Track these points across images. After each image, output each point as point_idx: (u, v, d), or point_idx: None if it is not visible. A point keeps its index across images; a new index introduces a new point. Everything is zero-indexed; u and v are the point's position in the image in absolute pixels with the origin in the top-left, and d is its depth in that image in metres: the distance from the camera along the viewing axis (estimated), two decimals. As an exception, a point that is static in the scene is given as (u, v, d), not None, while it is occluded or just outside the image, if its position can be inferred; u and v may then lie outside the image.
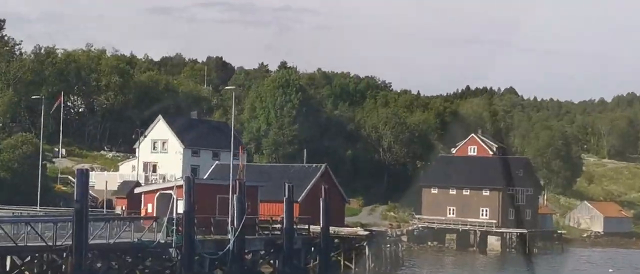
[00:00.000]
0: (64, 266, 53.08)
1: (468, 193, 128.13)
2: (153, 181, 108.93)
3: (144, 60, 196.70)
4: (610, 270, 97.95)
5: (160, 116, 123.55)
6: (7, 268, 54.48)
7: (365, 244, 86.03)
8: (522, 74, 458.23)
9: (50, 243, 50.82)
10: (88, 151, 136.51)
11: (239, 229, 59.63)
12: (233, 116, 70.68)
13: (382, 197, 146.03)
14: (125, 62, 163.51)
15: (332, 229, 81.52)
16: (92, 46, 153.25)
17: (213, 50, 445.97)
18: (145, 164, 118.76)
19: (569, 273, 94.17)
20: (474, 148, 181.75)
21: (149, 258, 58.82)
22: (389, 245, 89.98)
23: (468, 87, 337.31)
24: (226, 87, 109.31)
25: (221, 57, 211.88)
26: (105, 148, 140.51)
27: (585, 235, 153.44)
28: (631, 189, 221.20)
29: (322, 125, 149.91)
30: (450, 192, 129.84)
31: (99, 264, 57.32)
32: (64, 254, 51.32)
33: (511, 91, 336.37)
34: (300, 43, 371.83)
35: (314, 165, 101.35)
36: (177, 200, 59.96)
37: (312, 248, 74.43)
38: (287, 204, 65.73)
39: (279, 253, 65.33)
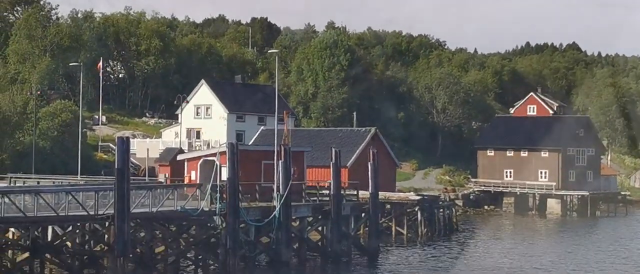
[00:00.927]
0: (106, 236, 54.82)
1: (526, 155, 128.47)
2: (197, 148, 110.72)
3: (185, 22, 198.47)
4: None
5: (203, 81, 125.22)
6: (49, 238, 56.25)
7: (417, 209, 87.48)
8: (585, 28, 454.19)
9: (92, 212, 52.34)
10: (129, 118, 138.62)
11: (284, 196, 60.76)
12: (276, 79, 71.72)
13: (436, 160, 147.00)
14: (166, 25, 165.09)
15: (382, 194, 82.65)
16: (131, 9, 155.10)
17: (257, 10, 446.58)
18: (189, 131, 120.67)
19: (634, 236, 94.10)
20: (534, 108, 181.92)
21: (193, 227, 60.30)
22: (441, 210, 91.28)
23: (528, 44, 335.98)
24: (270, 51, 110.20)
25: (266, 18, 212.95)
26: (147, 115, 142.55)
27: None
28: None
29: (373, 87, 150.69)
30: (507, 154, 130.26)
31: (142, 233, 59.12)
32: (106, 224, 52.89)
33: (574, 46, 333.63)
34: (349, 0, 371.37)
35: (364, 129, 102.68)
36: (220, 167, 61.24)
37: (362, 214, 75.70)
38: (334, 169, 66.68)
39: (327, 220, 66.40)
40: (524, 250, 79.54)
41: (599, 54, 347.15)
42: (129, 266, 53.46)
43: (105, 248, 54.99)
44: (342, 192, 69.22)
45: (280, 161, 61.91)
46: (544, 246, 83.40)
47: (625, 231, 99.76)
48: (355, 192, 73.33)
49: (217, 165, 61.49)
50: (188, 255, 60.97)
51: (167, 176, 76.97)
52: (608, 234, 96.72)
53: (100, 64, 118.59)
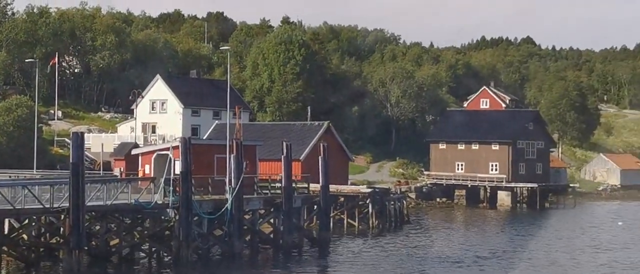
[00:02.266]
0: (61, 229, 56.33)
1: (477, 148, 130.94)
2: (152, 142, 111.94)
3: (141, 17, 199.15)
4: (620, 223, 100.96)
5: (158, 76, 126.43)
6: (5, 231, 57.60)
7: (368, 201, 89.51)
8: (539, 23, 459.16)
9: (48, 206, 53.80)
10: (85, 112, 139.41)
11: (236, 189, 62.48)
12: (229, 75, 73.29)
13: (390, 153, 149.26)
14: (121, 20, 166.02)
15: (334, 187, 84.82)
16: (86, 4, 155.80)
17: (213, 5, 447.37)
18: (144, 125, 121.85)
19: (578, 227, 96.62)
20: (486, 101, 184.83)
21: (147, 219, 61.88)
22: (392, 202, 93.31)
23: (483, 38, 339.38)
24: (221, 48, 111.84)
25: (222, 13, 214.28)
26: (103, 109, 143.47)
27: (600, 189, 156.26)
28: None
29: (328, 81, 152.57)
30: (459, 147, 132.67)
31: (97, 226, 60.71)
32: (62, 217, 54.39)
33: (528, 40, 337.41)
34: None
35: (317, 123, 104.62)
36: (174, 161, 62.88)
37: (314, 207, 77.68)
38: (285, 162, 68.50)
39: (278, 212, 68.23)
40: (467, 240, 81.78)
41: (554, 47, 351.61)
42: (84, 258, 55.04)
43: (61, 240, 56.48)
44: (293, 185, 71.14)
45: (232, 155, 63.62)
46: (487, 237, 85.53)
47: (567, 223, 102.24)
48: (306, 185, 75.21)
49: (170, 159, 63.17)
50: (142, 247, 62.46)
51: (122, 170, 78.20)
52: (550, 225, 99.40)
53: (56, 59, 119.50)
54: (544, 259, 68.68)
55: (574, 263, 66.91)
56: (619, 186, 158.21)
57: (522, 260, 67.92)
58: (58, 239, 57.65)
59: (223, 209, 62.37)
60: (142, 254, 62.67)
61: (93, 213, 58.05)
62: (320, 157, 73.11)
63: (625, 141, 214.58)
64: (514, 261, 67.55)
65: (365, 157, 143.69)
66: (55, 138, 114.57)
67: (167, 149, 66.22)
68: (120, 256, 60.57)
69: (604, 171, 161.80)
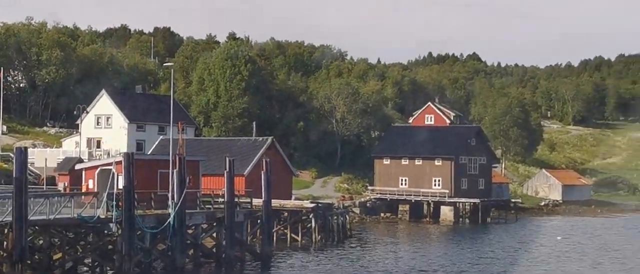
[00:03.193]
0: (4, 243, 56.96)
1: (420, 163, 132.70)
2: (97, 157, 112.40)
3: (87, 32, 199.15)
4: (558, 238, 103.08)
5: (103, 91, 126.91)
6: (-51, 245, 58.09)
7: (311, 216, 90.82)
8: (485, 40, 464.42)
9: (-9, 220, 54.47)
10: (30, 127, 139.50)
11: (178, 204, 63.48)
12: (172, 91, 74.28)
13: (335, 169, 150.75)
14: (67, 34, 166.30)
15: (278, 202, 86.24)
16: (32, 19, 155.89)
17: (160, 20, 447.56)
18: (89, 140, 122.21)
19: (517, 241, 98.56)
20: (431, 117, 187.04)
21: (90, 233, 62.68)
22: (335, 217, 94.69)
23: (430, 54, 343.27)
24: (164, 65, 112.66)
25: (169, 28, 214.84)
26: (48, 124, 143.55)
27: (542, 204, 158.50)
28: (594, 156, 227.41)
29: (273, 97, 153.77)
30: (402, 162, 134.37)
31: (40, 240, 61.38)
32: (5, 231, 55.07)
33: (474, 57, 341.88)
34: (253, 9, 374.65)
35: (261, 138, 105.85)
36: (117, 176, 63.78)
37: (258, 221, 78.91)
38: (228, 177, 69.65)
39: (221, 226, 69.36)
40: (407, 254, 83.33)
41: (499, 64, 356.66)
42: (27, 272, 55.73)
43: (4, 254, 57.06)
44: (236, 200, 72.32)
45: (174, 170, 64.64)
46: (426, 251, 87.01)
47: (507, 237, 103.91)
48: (249, 200, 76.40)
49: (113, 174, 64.04)
50: (85, 261, 63.24)
51: (66, 184, 78.85)
52: (490, 240, 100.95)
53: (0, 73, 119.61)
54: (482, 271, 70.41)
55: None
56: (561, 201, 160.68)
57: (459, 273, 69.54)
58: (1, 252, 58.19)
59: (165, 224, 63.27)
60: (85, 268, 63.42)
61: (36, 227, 58.75)
62: (262, 172, 74.34)
63: (568, 156, 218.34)
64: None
65: (310, 173, 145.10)
66: (0, 153, 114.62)
67: (111, 164, 67.06)
68: (64, 270, 61.22)
69: (545, 186, 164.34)
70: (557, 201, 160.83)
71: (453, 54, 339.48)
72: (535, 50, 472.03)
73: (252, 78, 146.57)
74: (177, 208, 63.40)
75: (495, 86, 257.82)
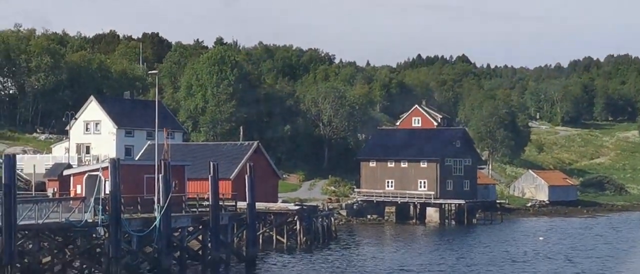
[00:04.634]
0: (-6, 247, 58.91)
1: (406, 165, 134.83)
2: (87, 163, 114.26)
3: (76, 38, 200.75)
4: (541, 238, 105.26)
5: (92, 97, 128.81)
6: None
7: (296, 219, 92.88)
8: (475, 41, 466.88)
9: (-20, 225, 56.38)
10: (20, 133, 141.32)
11: (164, 207, 65.47)
12: (157, 98, 76.19)
13: (323, 172, 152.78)
14: (57, 41, 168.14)
15: (263, 205, 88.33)
16: (21, 26, 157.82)
17: (149, 26, 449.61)
18: (79, 146, 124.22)
19: (501, 242, 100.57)
20: (418, 119, 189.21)
21: (78, 237, 64.66)
22: (320, 219, 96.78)
23: (419, 56, 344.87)
24: (149, 72, 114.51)
25: (157, 34, 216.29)
26: (38, 130, 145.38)
27: (529, 205, 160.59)
28: (583, 156, 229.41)
29: (261, 101, 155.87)
30: (389, 165, 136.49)
31: (30, 245, 63.39)
32: (-5, 235, 57.02)
33: (463, 58, 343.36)
34: (243, 14, 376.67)
35: (247, 143, 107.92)
36: (104, 181, 65.82)
37: (244, 224, 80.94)
38: (212, 181, 71.66)
39: (206, 229, 71.46)
40: (388, 255, 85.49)
41: (488, 65, 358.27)
42: (17, 275, 57.70)
43: (-6, 258, 58.99)
44: (221, 203, 74.41)
45: (160, 175, 66.67)
46: (410, 252, 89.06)
47: (491, 238, 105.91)
48: (234, 203, 78.49)
49: (100, 179, 66.08)
50: (74, 264, 65.20)
51: (55, 190, 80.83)
52: (474, 240, 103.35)
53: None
54: (462, 270, 72.67)
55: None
56: (548, 202, 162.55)
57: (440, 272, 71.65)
58: (-9, 257, 60.12)
59: (152, 227, 65.25)
60: (74, 271, 65.32)
61: (26, 232, 60.72)
62: (247, 175, 76.41)
63: (556, 157, 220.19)
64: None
65: (297, 175, 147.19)
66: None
67: (98, 169, 69.10)
68: (53, 273, 63.28)
69: (532, 187, 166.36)
70: (544, 201, 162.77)
71: (442, 56, 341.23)
72: (525, 51, 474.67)
73: (239, 83, 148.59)
74: (162, 212, 65.33)
75: (484, 88, 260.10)
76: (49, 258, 63.83)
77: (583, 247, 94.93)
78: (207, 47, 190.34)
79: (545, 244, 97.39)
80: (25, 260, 62.17)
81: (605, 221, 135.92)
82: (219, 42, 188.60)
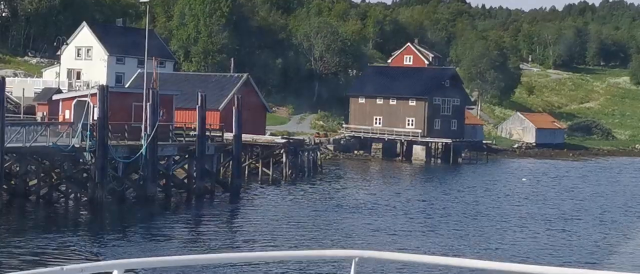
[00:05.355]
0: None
1: (394, 103, 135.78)
2: (77, 88, 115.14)
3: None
4: (523, 179, 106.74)
5: (84, 23, 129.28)
6: None
7: (282, 151, 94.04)
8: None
9: (-32, 146, 57.50)
10: (11, 56, 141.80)
11: (151, 136, 66.56)
12: (147, 27, 76.89)
13: (312, 106, 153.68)
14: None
15: (249, 137, 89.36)
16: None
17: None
18: (69, 71, 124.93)
19: (485, 181, 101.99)
20: (410, 58, 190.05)
21: (65, 162, 65.82)
22: (307, 153, 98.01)
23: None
24: (140, 1, 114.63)
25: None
26: (29, 54, 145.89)
27: (516, 146, 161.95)
28: (572, 100, 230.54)
29: (253, 33, 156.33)
30: (377, 102, 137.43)
31: (17, 168, 64.56)
32: (-18, 157, 58.14)
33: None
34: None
35: (236, 74, 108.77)
36: (93, 107, 66.79)
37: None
38: (199, 112, 72.70)
39: (192, 159, 72.69)
40: (371, 189, 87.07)
41: (483, 6, 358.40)
42: (3, 196, 58.91)
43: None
44: (207, 133, 75.52)
45: (148, 104, 67.64)
46: (389, 186, 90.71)
47: (475, 177, 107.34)
48: (220, 134, 79.63)
49: (89, 105, 67.05)
50: (60, 188, 66.47)
51: (44, 114, 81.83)
52: (458, 179, 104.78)
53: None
54: (442, 207, 74.18)
55: (467, 212, 72.04)
56: (534, 144, 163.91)
57: (420, 209, 72.99)
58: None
59: (138, 154, 66.38)
60: (60, 195, 66.63)
61: (13, 154, 61.83)
62: (233, 107, 77.41)
63: (545, 100, 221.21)
64: (413, 209, 72.56)
65: (287, 109, 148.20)
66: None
67: (86, 95, 70.05)
68: (38, 195, 64.54)
69: (519, 129, 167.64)
70: (531, 144, 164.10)
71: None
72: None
73: (232, 14, 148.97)
74: (149, 140, 66.43)
75: (478, 28, 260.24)
76: (35, 181, 65.01)
77: (566, 187, 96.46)
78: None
79: (527, 185, 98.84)
80: (12, 182, 63.46)
81: (590, 165, 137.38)
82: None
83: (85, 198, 64.55)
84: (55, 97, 78.67)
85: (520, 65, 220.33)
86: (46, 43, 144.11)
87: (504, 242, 56.89)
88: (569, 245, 56.37)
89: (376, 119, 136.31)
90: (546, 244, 55.94)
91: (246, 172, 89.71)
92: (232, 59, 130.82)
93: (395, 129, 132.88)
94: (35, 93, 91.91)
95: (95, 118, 64.41)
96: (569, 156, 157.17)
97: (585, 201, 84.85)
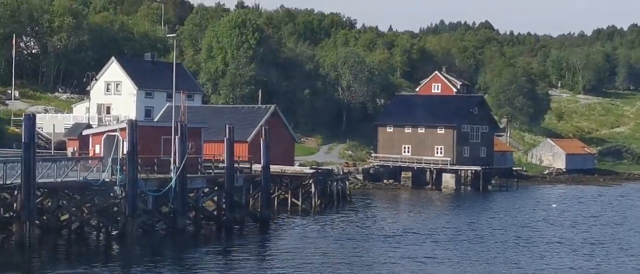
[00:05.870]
0: (14, 204, 60.83)
1: (423, 131, 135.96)
2: (107, 123, 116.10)
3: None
4: (554, 205, 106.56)
5: (113, 58, 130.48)
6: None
7: (311, 182, 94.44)
8: (499, 8, 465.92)
9: (1, 182, 58.32)
10: (42, 92, 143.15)
11: (180, 168, 67.20)
12: (174, 61, 77.52)
13: (341, 136, 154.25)
14: (79, 2, 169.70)
15: (279, 168, 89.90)
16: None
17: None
18: (99, 106, 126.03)
19: (514, 208, 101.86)
20: (438, 86, 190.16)
21: (95, 196, 66.53)
22: (335, 183, 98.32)
23: (442, 22, 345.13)
24: (168, 36, 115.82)
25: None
26: (59, 90, 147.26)
27: (546, 172, 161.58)
28: (603, 125, 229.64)
29: (281, 65, 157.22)
30: (406, 130, 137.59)
31: (49, 202, 65.31)
32: (15, 192, 58.93)
33: (486, 25, 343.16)
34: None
35: (264, 106, 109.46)
36: (122, 141, 67.55)
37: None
38: (228, 144, 73.33)
39: (221, 190, 73.25)
40: (401, 218, 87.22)
41: (511, 32, 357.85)
42: (35, 231, 59.58)
43: (13, 215, 60.95)
44: (236, 165, 76.15)
45: (177, 137, 68.36)
46: (419, 215, 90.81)
47: (505, 204, 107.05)
48: (249, 165, 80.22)
49: (118, 139, 67.82)
50: (91, 222, 67.14)
51: (75, 149, 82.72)
52: (488, 206, 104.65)
53: (14, 40, 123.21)
54: (471, 234, 74.34)
55: (496, 239, 72.13)
56: (565, 169, 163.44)
57: (450, 237, 73.14)
58: (11, 213, 62.03)
59: (167, 187, 67.03)
60: (91, 229, 67.24)
61: (45, 190, 62.61)
62: (261, 139, 78.01)
63: (575, 125, 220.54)
64: (442, 238, 72.73)
65: (316, 139, 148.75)
66: (12, 118, 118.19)
67: (115, 130, 70.86)
68: (70, 230, 65.25)
69: (550, 155, 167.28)
70: (561, 169, 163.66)
71: (465, 22, 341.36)
72: (549, 19, 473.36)
73: (260, 46, 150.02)
74: (178, 172, 67.07)
75: (506, 55, 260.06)
76: (67, 216, 65.71)
77: (593, 214, 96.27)
78: (228, 10, 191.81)
79: (557, 211, 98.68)
80: (44, 217, 64.20)
81: (620, 190, 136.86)
82: (240, 5, 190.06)
83: (116, 232, 65.19)
84: (85, 132, 79.54)
85: (550, 91, 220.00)
86: (76, 79, 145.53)
87: (536, 269, 57.09)
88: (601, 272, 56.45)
89: (405, 147, 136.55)
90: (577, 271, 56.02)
91: (275, 203, 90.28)
92: (259, 91, 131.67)
93: (424, 158, 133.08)
94: (65, 128, 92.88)
95: (125, 152, 65.11)
96: (599, 181, 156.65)
97: (616, 226, 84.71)
